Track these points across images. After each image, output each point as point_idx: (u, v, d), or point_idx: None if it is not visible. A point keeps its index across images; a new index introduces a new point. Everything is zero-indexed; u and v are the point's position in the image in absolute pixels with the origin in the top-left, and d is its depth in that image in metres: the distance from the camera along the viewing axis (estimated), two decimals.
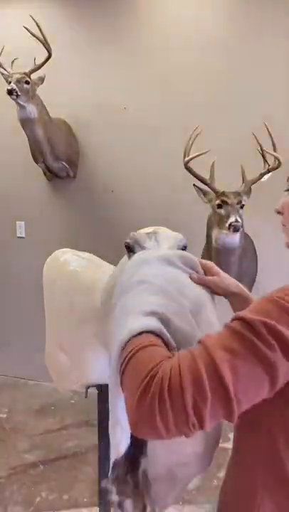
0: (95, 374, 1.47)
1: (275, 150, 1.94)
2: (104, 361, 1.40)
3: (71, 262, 1.51)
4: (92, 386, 1.68)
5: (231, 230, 1.83)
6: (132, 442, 0.82)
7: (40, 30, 2.19)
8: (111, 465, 0.86)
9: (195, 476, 0.91)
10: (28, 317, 2.98)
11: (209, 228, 2.00)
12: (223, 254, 1.94)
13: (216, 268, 0.93)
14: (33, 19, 2.19)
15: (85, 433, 2.53)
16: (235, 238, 1.90)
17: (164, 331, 0.70)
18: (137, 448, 0.84)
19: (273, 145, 1.94)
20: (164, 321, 0.72)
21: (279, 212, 0.82)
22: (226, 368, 0.58)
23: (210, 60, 2.45)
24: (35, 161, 2.64)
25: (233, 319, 0.65)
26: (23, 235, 3.00)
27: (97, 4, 2.58)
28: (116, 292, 0.91)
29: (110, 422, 0.83)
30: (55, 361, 1.56)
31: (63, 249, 1.64)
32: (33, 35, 2.19)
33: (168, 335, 0.71)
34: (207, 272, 0.91)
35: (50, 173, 2.75)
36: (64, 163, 2.66)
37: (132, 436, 0.82)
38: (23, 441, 2.47)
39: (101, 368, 1.44)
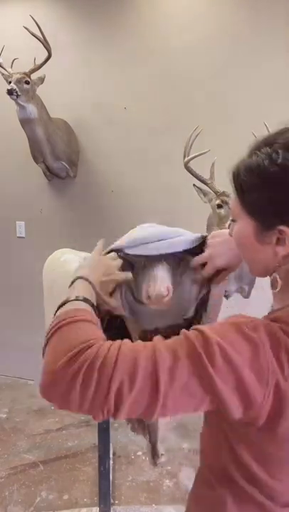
0: None
1: None
2: None
3: (71, 262, 1.51)
4: None
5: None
6: None
7: (40, 30, 2.19)
8: None
9: None
10: (28, 317, 2.98)
11: (209, 228, 2.00)
12: None
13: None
14: (33, 19, 2.19)
15: (85, 433, 2.53)
16: None
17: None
18: None
19: None
20: None
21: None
22: (166, 372, 0.56)
23: (210, 60, 2.45)
24: (35, 161, 2.64)
25: (192, 329, 0.63)
26: (23, 235, 2.99)
27: (97, 4, 2.58)
28: None
29: None
30: None
31: (63, 249, 1.64)
32: (33, 35, 2.19)
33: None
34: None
35: (50, 173, 2.75)
36: (64, 163, 2.65)
37: None
38: (23, 441, 2.47)
39: None
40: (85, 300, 0.73)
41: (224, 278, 0.91)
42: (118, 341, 0.61)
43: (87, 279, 0.80)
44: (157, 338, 0.63)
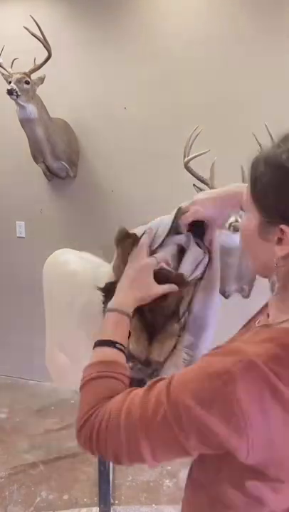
0: None
1: None
2: None
3: (71, 262, 1.51)
4: None
5: (231, 230, 1.83)
6: None
7: (40, 30, 2.19)
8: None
9: None
10: (28, 317, 2.98)
11: None
12: (223, 255, 1.93)
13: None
14: (33, 19, 2.19)
15: None
16: (235, 238, 1.89)
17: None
18: None
19: None
20: None
21: None
22: (146, 446, 0.61)
23: (210, 60, 2.45)
24: (35, 161, 2.64)
25: (171, 379, 0.63)
26: (23, 235, 2.99)
27: (97, 4, 2.58)
28: None
29: None
30: (55, 361, 1.55)
31: (63, 249, 1.64)
32: (33, 35, 2.19)
33: None
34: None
35: (50, 173, 2.75)
36: (64, 163, 2.66)
37: None
38: (23, 441, 2.47)
39: None
40: (111, 344, 0.77)
41: (211, 235, 0.95)
42: (109, 408, 0.66)
43: (118, 310, 0.80)
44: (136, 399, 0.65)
